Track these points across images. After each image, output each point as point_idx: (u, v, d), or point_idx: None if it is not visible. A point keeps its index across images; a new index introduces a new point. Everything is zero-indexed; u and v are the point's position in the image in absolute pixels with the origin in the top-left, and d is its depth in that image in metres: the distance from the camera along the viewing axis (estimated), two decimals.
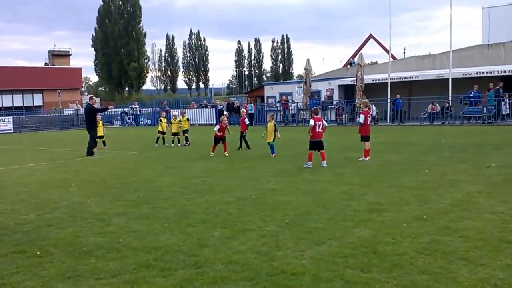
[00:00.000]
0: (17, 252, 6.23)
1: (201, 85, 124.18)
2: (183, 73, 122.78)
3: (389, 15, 35.22)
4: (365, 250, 5.79)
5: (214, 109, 36.11)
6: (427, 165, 12.10)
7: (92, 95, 22.91)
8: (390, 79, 33.27)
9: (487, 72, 30.26)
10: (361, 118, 13.68)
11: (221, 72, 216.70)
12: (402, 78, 32.61)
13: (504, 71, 29.54)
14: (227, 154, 15.99)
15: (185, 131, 21.04)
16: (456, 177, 10.31)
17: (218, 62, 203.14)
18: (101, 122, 20.78)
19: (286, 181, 10.78)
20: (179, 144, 20.74)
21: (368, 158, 13.48)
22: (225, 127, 16.72)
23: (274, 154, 15.30)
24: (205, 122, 35.46)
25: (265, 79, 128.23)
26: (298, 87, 37.29)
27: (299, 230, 6.73)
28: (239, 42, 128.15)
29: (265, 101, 37.78)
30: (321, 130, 12.74)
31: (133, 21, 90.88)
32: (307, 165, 12.58)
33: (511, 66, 29.91)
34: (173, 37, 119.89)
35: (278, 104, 36.41)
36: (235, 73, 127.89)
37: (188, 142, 20.73)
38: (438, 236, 6.21)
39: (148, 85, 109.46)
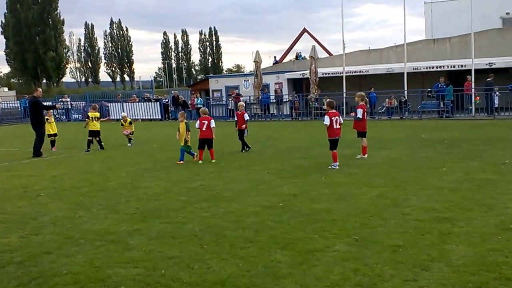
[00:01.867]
0: None
1: (126, 77, 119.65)
2: (106, 64, 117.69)
3: (341, 8, 34.26)
4: (494, 275, 4.65)
5: (158, 103, 33.95)
6: (435, 163, 11.24)
7: (37, 87, 20.17)
8: (340, 73, 32.79)
9: (436, 67, 30.42)
10: (359, 113, 12.56)
11: (147, 65, 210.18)
12: (352, 72, 32.12)
13: (454, 66, 29.78)
14: (213, 161, 12.91)
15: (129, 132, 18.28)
16: (485, 176, 9.46)
17: (143, 54, 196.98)
18: (52, 118, 18.04)
19: (299, 183, 9.50)
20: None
21: (366, 155, 12.47)
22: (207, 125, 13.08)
23: (181, 161, 12.82)
24: (149, 117, 33.29)
25: (194, 72, 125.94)
26: (245, 80, 35.91)
27: (380, 249, 5.50)
28: (165, 34, 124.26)
29: (210, 95, 36.08)
30: (339, 127, 11.47)
31: (49, 7, 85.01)
32: (333, 166, 11.10)
33: (460, 61, 30.20)
34: (92, 26, 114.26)
35: (225, 98, 34.91)
36: (162, 65, 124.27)
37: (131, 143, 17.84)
38: None
39: (67, 77, 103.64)
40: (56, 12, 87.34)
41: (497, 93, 25.41)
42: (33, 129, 15.97)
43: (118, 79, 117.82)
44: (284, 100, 32.34)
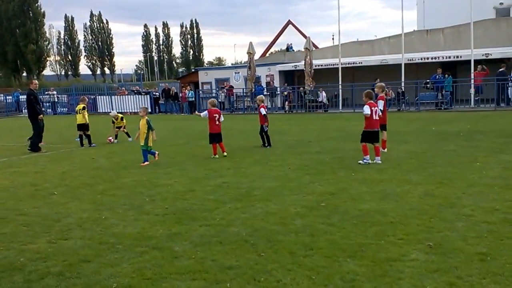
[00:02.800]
0: None
1: (107, 70, 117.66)
2: (86, 57, 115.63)
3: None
4: None
5: (148, 96, 33.03)
6: (465, 157, 10.78)
7: (32, 79, 19.08)
8: (333, 65, 32.35)
9: (431, 58, 30.13)
10: (380, 104, 11.96)
11: (125, 58, 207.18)
12: (346, 63, 31.66)
13: (449, 57, 29.52)
14: (225, 154, 12.40)
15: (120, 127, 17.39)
16: None
17: (122, 47, 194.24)
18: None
19: (331, 180, 8.93)
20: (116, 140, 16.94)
21: (385, 149, 11.97)
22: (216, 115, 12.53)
23: (146, 163, 11.54)
24: (138, 111, 32.42)
25: (175, 65, 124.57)
26: (235, 73, 35.23)
27: (464, 258, 4.93)
28: (145, 26, 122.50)
29: (200, 87, 35.26)
30: (378, 118, 10.86)
31: None
32: (364, 161, 10.42)
33: (455, 51, 29.96)
34: (72, 19, 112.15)
35: (214, 90, 34.16)
36: (143, 58, 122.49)
37: (115, 139, 16.82)
38: None
39: (46, 70, 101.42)
40: (36, 5, 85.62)
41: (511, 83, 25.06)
42: (31, 122, 15.17)
43: (98, 72, 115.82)
44: (277, 92, 31.73)
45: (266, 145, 13.80)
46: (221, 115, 12.79)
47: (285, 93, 30.54)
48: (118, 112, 18.96)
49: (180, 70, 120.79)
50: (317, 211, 6.87)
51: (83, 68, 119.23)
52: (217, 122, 12.44)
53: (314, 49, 31.95)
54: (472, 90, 26.08)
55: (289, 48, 39.44)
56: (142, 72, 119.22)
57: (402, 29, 29.90)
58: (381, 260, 4.95)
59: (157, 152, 11.98)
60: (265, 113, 13.83)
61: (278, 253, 5.28)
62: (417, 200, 7.30)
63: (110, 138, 16.59)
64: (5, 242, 6.02)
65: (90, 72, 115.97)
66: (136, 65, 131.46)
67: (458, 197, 7.37)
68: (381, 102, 11.93)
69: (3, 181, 10.10)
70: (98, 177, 10.22)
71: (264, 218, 6.66)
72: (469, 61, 27.05)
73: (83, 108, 16.10)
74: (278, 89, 31.96)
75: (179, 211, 7.20)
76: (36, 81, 16.28)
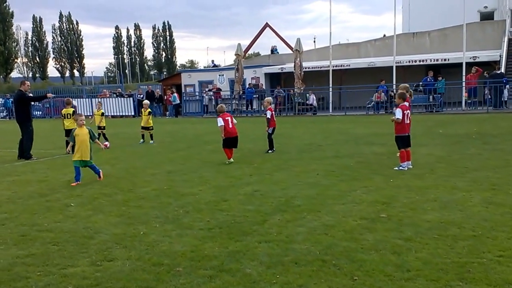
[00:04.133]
0: None
1: (76, 73, 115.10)
2: (54, 59, 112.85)
3: (330, 2, 33.37)
4: None
5: (131, 98, 31.90)
6: (496, 161, 10.30)
7: (24, 80, 17.92)
8: (320, 67, 31.96)
9: (419, 61, 30.05)
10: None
11: (94, 60, 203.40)
12: (334, 66, 31.27)
13: (437, 60, 29.44)
14: (229, 161, 11.58)
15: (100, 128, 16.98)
16: None
17: (91, 49, 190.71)
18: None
19: (371, 188, 8.28)
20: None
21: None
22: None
23: (78, 182, 9.45)
24: (121, 114, 31.27)
25: (147, 67, 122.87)
26: (220, 75, 34.44)
27: None
28: (117, 28, 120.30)
29: (183, 90, 34.31)
30: (409, 122, 10.23)
31: None
32: (402, 167, 9.79)
33: (442, 54, 29.93)
34: (40, 19, 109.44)
35: (198, 93, 33.29)
36: (113, 60, 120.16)
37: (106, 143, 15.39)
38: None
39: (14, 73, 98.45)
40: (5, 5, 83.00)
41: (507, 86, 24.97)
42: (20, 127, 14.05)
43: (67, 74, 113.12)
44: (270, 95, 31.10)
45: (269, 150, 13.07)
46: (233, 118, 12.09)
47: (280, 96, 29.82)
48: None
49: (152, 72, 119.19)
50: (382, 224, 6.21)
51: (52, 70, 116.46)
52: (230, 125, 11.65)
53: (304, 50, 31.35)
54: (465, 93, 26.01)
55: (273, 51, 38.88)
56: (112, 75, 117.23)
57: (394, 31, 29.69)
58: (500, 283, 4.31)
59: (101, 170, 10.01)
60: (269, 116, 13.21)
61: (373, 276, 4.58)
62: (482, 209, 6.72)
63: (106, 143, 15.65)
64: (40, 266, 5.16)
65: (59, 75, 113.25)
66: (107, 67, 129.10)
67: None
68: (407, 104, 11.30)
69: (5, 192, 9.11)
70: (111, 185, 9.34)
71: (327, 232, 5.97)
72: (456, 64, 27.09)
73: (74, 113, 15.19)
74: (274, 91, 30.98)
75: (224, 225, 6.45)
76: (28, 82, 15.11)
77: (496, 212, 6.53)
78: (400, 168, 9.80)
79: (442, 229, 5.87)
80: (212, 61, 47.59)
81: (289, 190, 8.43)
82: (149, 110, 17.43)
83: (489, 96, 24.52)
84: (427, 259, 4.93)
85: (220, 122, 11.66)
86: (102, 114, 17.68)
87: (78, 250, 5.65)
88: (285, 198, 7.80)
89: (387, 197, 7.60)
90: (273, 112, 13.71)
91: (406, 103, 10.83)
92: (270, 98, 14.57)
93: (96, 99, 32.39)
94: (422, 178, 8.96)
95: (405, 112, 9.94)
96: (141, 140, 16.81)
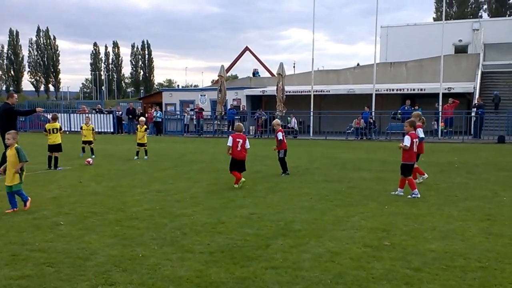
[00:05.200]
0: None
1: (51, 87, 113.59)
2: (29, 73, 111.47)
3: (313, 27, 33.71)
4: None
5: (111, 115, 31.48)
6: (481, 190, 10.40)
7: (12, 92, 17.51)
8: (301, 92, 32.19)
9: (396, 90, 30.59)
10: (421, 132, 11.07)
11: (69, 75, 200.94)
12: (315, 91, 31.53)
13: (414, 89, 30.02)
14: (236, 186, 11.00)
15: (88, 142, 17.54)
16: None
17: (68, 64, 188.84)
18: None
19: (367, 214, 8.20)
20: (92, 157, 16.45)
21: (417, 179, 11.23)
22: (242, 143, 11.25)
23: (15, 209, 8.41)
24: (99, 130, 30.79)
25: (124, 85, 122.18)
26: (201, 95, 34.34)
27: None
28: (95, 44, 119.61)
29: (163, 108, 34.09)
30: (416, 150, 10.13)
31: None
32: (414, 195, 9.60)
33: (419, 84, 30.65)
34: (17, 33, 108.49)
35: (179, 112, 33.08)
36: (90, 76, 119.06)
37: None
38: None
39: None
40: None
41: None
42: (3, 141, 13.59)
43: (42, 88, 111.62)
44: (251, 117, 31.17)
45: (283, 173, 12.84)
46: (246, 141, 11.41)
47: (262, 118, 29.87)
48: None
49: (128, 90, 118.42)
50: (387, 253, 6.12)
51: (26, 84, 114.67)
52: (238, 148, 11.18)
53: (286, 74, 31.55)
54: (441, 123, 26.48)
55: (255, 74, 39.06)
56: (87, 91, 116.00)
57: (375, 59, 30.18)
58: None
59: (29, 198, 8.78)
60: (280, 138, 12.88)
61: None
62: (483, 239, 6.70)
63: (89, 159, 15.34)
64: None
65: (33, 89, 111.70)
66: (83, 83, 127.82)
67: None
68: (421, 130, 11.28)
69: None
70: (100, 204, 9.07)
71: (333, 259, 5.84)
72: (431, 94, 27.75)
73: (61, 128, 14.95)
74: (256, 113, 30.96)
75: (225, 249, 6.28)
76: (16, 94, 14.65)
77: (497, 243, 6.52)
78: (413, 196, 9.63)
79: (449, 260, 5.81)
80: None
81: (285, 214, 8.31)
82: (145, 126, 17.55)
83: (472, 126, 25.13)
84: None
85: (230, 142, 11.21)
86: (93, 129, 17.64)
87: (75, 272, 5.39)
88: (283, 222, 7.67)
89: (386, 224, 7.54)
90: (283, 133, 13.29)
91: (420, 128, 10.81)
92: (278, 120, 14.16)
93: (75, 114, 31.88)
94: (416, 205, 8.95)
95: (414, 140, 9.89)
96: (136, 157, 16.71)
